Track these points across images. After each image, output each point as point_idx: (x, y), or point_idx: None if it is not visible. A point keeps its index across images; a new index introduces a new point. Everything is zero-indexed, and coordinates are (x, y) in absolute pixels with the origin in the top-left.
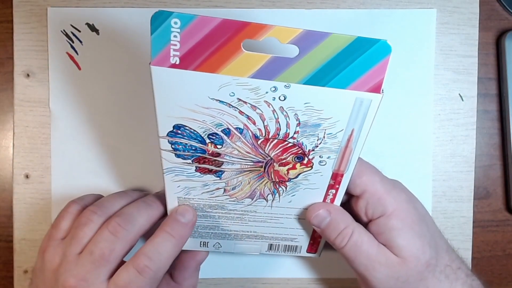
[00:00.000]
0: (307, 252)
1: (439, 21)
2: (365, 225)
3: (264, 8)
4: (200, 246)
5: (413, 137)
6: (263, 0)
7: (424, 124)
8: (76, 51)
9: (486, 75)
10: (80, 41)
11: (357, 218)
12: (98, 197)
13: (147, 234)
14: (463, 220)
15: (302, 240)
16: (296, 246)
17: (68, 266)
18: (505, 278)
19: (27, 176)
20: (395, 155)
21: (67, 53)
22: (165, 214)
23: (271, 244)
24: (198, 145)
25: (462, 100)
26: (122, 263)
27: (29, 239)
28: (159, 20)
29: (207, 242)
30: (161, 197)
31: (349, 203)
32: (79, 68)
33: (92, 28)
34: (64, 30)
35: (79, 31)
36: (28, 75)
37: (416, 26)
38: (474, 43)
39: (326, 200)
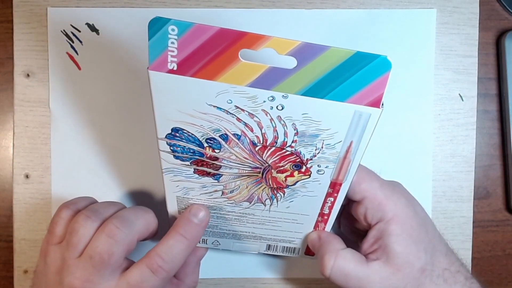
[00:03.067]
0: (305, 254)
1: (439, 21)
2: (365, 229)
3: (264, 8)
4: (199, 243)
5: (413, 137)
6: (263, 0)
7: (424, 124)
8: (76, 51)
9: (486, 75)
10: (80, 41)
11: (357, 222)
12: (90, 200)
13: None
14: (463, 220)
15: (300, 242)
16: (294, 248)
17: (70, 269)
18: (505, 278)
19: (27, 176)
20: (395, 155)
21: (67, 53)
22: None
23: (269, 245)
24: (196, 148)
25: (462, 100)
26: (125, 260)
27: (29, 239)
28: (156, 26)
29: (206, 240)
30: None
31: (348, 207)
32: (79, 68)
33: (92, 28)
34: (64, 30)
35: (79, 31)
36: (28, 75)
37: (416, 26)
38: (474, 43)
39: (325, 208)
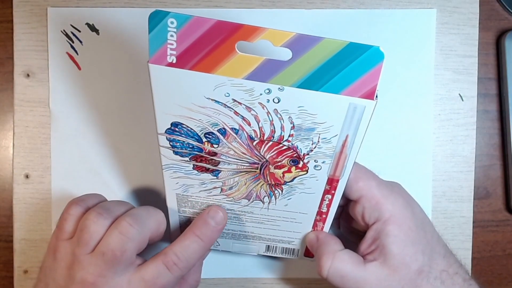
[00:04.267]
0: (304, 255)
1: (439, 21)
2: (364, 230)
3: (264, 8)
4: None
5: (413, 137)
6: (263, 0)
7: (424, 124)
8: (76, 51)
9: (486, 75)
10: (80, 41)
11: (355, 223)
12: (100, 198)
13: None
14: (463, 220)
15: (299, 243)
16: (294, 249)
17: (82, 265)
18: (505, 278)
19: (27, 176)
20: (395, 155)
21: (67, 53)
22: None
23: (268, 246)
24: (195, 143)
25: (462, 100)
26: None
27: (29, 239)
28: (156, 19)
29: None
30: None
31: (347, 208)
32: (79, 68)
33: (92, 28)
34: (64, 30)
35: (79, 31)
36: (28, 75)
37: (416, 26)
38: (474, 43)
39: (323, 206)
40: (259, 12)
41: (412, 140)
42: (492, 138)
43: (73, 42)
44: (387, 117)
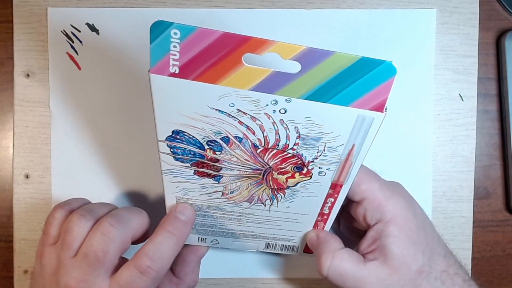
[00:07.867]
0: (304, 252)
1: (439, 21)
2: (365, 229)
3: (264, 8)
4: (198, 242)
5: (413, 137)
6: (263, 0)
7: (424, 124)
8: (76, 51)
9: (486, 75)
10: (80, 41)
11: (356, 222)
12: (84, 201)
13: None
14: (463, 220)
15: (299, 241)
16: (293, 246)
17: (66, 269)
18: (505, 278)
19: (27, 176)
20: (395, 155)
21: (67, 53)
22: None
23: (268, 243)
24: (197, 150)
25: (462, 100)
26: (121, 259)
27: (29, 239)
28: (158, 29)
29: (205, 238)
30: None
31: (348, 207)
32: (79, 68)
33: (92, 28)
34: (64, 30)
35: (79, 31)
36: (28, 75)
37: (416, 26)
38: (474, 43)
39: (325, 208)
40: (259, 12)
41: (412, 140)
42: (492, 138)
43: (73, 42)
44: (387, 117)
